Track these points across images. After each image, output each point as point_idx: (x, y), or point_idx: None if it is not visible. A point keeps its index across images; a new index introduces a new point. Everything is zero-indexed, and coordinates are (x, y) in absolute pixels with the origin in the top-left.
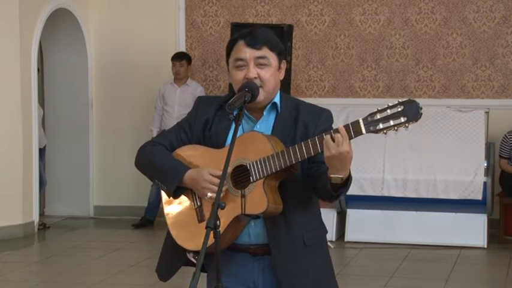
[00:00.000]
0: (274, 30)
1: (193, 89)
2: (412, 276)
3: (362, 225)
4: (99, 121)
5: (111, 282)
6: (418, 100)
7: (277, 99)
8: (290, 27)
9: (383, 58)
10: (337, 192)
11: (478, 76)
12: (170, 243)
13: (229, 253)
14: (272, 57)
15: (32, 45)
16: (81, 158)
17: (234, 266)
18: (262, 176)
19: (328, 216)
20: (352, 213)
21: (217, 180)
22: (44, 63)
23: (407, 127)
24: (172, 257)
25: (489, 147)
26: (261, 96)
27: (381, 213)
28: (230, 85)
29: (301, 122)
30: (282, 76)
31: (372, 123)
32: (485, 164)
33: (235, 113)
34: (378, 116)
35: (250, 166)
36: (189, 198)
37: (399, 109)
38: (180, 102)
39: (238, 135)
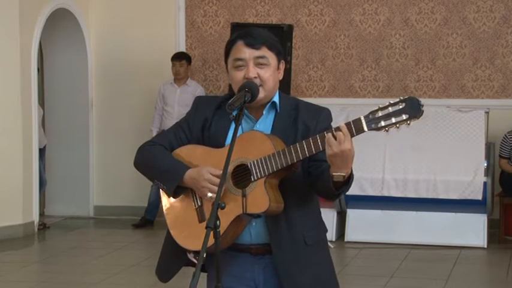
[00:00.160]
0: (274, 30)
1: (193, 89)
2: (412, 276)
3: (362, 225)
4: (99, 121)
5: (111, 282)
6: None
7: (276, 99)
8: (290, 27)
9: (383, 58)
10: (339, 191)
11: (478, 76)
12: (170, 243)
13: (230, 253)
14: (271, 57)
15: (32, 45)
16: (81, 158)
17: (235, 266)
18: (263, 175)
19: (328, 216)
20: (352, 213)
21: (217, 180)
22: (44, 63)
23: (409, 124)
24: (173, 258)
25: (489, 147)
26: (261, 94)
27: (381, 213)
28: (230, 85)
29: (301, 121)
30: (281, 76)
31: (373, 121)
32: (485, 164)
33: (235, 113)
34: (380, 114)
35: (251, 165)
36: (189, 198)
37: (400, 106)
38: (180, 102)
39: (238, 134)
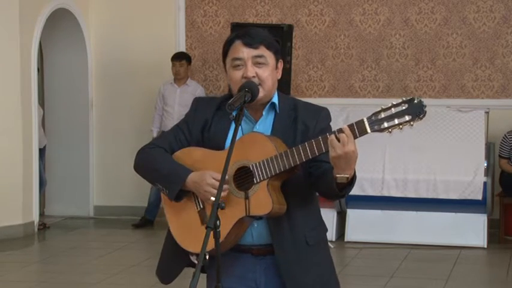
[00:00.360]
0: (274, 30)
1: (193, 89)
2: (412, 276)
3: (362, 225)
4: (99, 121)
5: (111, 282)
6: None
7: (275, 99)
8: (290, 27)
9: (383, 58)
10: (343, 192)
11: (478, 76)
12: (171, 244)
13: (232, 254)
14: (269, 56)
15: (32, 45)
16: (81, 158)
17: (236, 267)
18: (266, 177)
19: (328, 216)
20: (352, 213)
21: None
22: (44, 63)
23: (412, 125)
24: (174, 259)
25: (489, 147)
26: (261, 93)
27: (381, 213)
28: (230, 85)
29: (300, 121)
30: (279, 75)
31: (376, 122)
32: (485, 164)
33: (234, 113)
34: (383, 115)
35: (253, 167)
36: (191, 201)
37: (403, 107)
38: (180, 102)
39: (238, 136)
